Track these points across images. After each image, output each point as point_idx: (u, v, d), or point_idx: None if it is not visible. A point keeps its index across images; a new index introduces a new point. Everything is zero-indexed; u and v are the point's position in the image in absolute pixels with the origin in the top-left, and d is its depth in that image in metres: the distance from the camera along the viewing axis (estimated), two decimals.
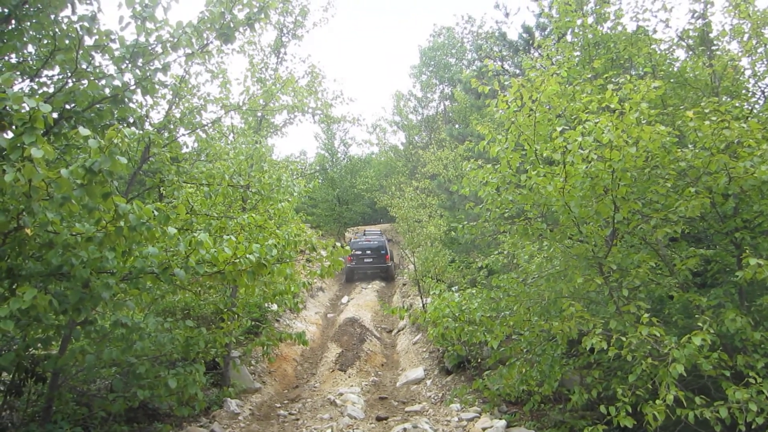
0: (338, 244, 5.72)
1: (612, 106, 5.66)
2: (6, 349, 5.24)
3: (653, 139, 5.23)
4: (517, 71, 15.99)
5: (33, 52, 5.56)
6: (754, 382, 4.75)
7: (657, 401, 4.74)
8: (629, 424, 5.07)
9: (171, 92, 7.32)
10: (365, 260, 21.22)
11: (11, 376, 5.67)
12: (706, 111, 5.67)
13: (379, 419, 9.41)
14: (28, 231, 3.90)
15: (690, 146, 5.86)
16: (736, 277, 5.37)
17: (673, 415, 4.86)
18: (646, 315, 5.13)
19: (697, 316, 5.32)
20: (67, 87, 4.91)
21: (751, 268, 4.80)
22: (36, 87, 5.22)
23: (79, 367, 5.66)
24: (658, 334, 4.89)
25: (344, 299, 20.28)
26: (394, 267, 22.55)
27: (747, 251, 5.32)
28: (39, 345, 4.97)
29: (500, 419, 8.54)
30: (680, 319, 6.36)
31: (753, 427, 4.75)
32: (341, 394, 10.65)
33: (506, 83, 6.46)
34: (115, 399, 5.56)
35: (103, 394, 6.44)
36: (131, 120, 6.48)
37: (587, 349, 5.76)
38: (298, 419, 9.58)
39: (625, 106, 5.50)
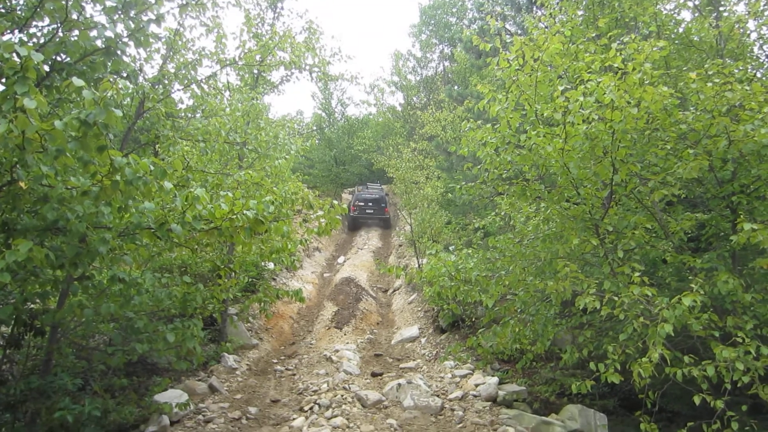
0: (335, 202, 5.70)
1: (615, 66, 5.57)
2: (3, 303, 5.27)
3: (655, 100, 5.17)
4: (519, 32, 15.69)
5: (21, 1, 5.39)
6: (741, 342, 4.84)
7: (644, 359, 4.83)
8: (616, 380, 5.19)
9: (165, 46, 7.16)
10: (367, 210, 23.13)
11: (10, 329, 5.71)
12: (710, 73, 5.60)
13: (374, 375, 9.60)
14: (22, 184, 3.85)
15: (691, 109, 5.80)
16: (730, 242, 5.40)
17: (661, 373, 4.97)
18: (638, 275, 5.17)
19: (690, 278, 5.38)
20: (57, 38, 4.78)
21: (745, 232, 4.82)
22: (26, 38, 5.09)
23: (77, 321, 5.71)
24: (650, 294, 4.95)
25: (340, 259, 20.40)
26: (391, 218, 24.35)
27: (742, 216, 5.34)
28: (37, 299, 5.00)
29: (492, 376, 8.72)
30: (673, 281, 6.44)
31: (738, 385, 4.86)
32: (337, 351, 10.82)
33: (508, 41, 6.34)
34: (114, 353, 5.63)
35: (102, 348, 6.52)
36: (125, 74, 6.37)
37: (580, 309, 5.84)
38: (294, 374, 9.77)
39: (628, 67, 5.42)
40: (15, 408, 5.38)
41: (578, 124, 5.55)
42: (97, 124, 3.44)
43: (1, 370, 5.88)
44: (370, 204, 23.47)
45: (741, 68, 6.13)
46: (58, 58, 5.22)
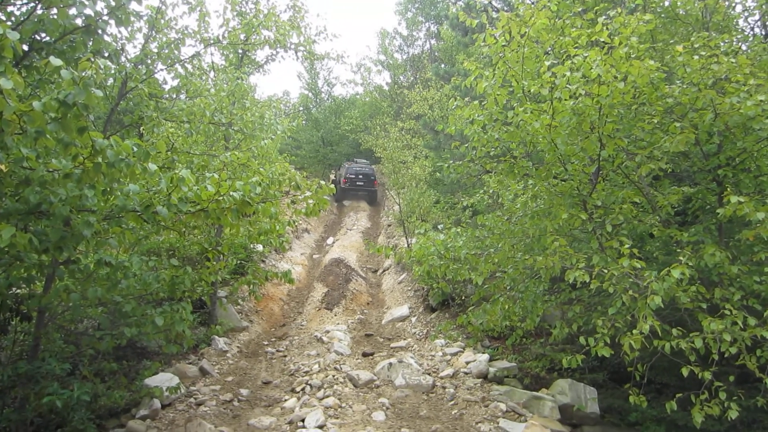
0: (323, 183, 5.66)
1: (602, 40, 5.54)
2: None
3: (642, 74, 5.16)
4: (506, 8, 15.54)
5: None
6: (729, 313, 4.89)
7: (634, 332, 4.89)
8: (607, 353, 5.24)
9: (147, 25, 7.02)
10: (357, 183, 24.48)
11: None
12: (696, 46, 5.59)
13: (365, 355, 9.65)
14: (2, 167, 3.78)
15: (678, 82, 5.80)
16: (716, 215, 5.45)
17: (649, 345, 5.03)
18: (627, 248, 5.21)
19: (678, 250, 5.42)
20: (36, 16, 4.65)
21: (732, 205, 4.84)
22: (3, 16, 4.95)
23: (64, 306, 5.65)
24: (639, 267, 4.98)
25: (329, 240, 20.38)
26: (378, 192, 25.62)
27: (729, 189, 5.37)
28: (22, 284, 4.93)
29: (483, 353, 8.81)
30: (660, 255, 6.49)
31: (726, 356, 4.93)
32: (328, 332, 10.86)
33: (495, 17, 6.27)
34: (103, 337, 5.59)
35: (91, 332, 6.48)
36: (106, 54, 6.24)
37: (569, 284, 5.88)
38: (285, 356, 9.79)
39: (615, 41, 5.39)
40: (3, 393, 5.34)
41: (565, 99, 5.53)
42: (76, 104, 3.36)
43: None
44: (361, 177, 24.68)
45: (727, 41, 6.12)
46: (37, 38, 5.09)
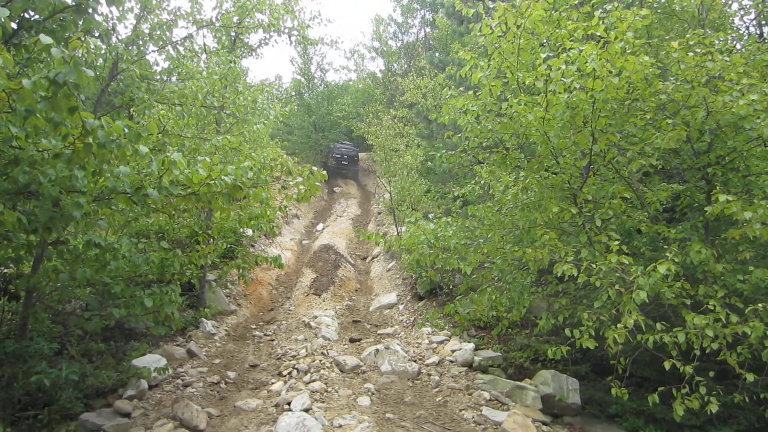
0: (314, 169, 5.65)
1: (598, 34, 5.55)
2: None
3: (636, 69, 5.18)
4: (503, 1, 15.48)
5: None
6: (712, 310, 4.96)
7: (619, 325, 4.95)
8: (591, 345, 5.30)
9: (138, 5, 6.94)
10: (342, 162, 27.87)
11: None
12: (691, 43, 5.62)
13: (352, 341, 9.71)
14: None
15: (672, 79, 5.83)
16: (704, 213, 5.50)
17: (633, 339, 5.10)
18: (616, 243, 5.25)
19: (665, 247, 5.48)
20: None
21: (720, 203, 4.87)
22: None
23: (52, 286, 5.63)
24: (627, 262, 5.04)
25: (319, 226, 20.38)
26: (359, 171, 29.68)
27: (717, 187, 5.43)
28: (10, 264, 4.91)
29: (469, 342, 8.89)
30: (647, 251, 6.56)
31: (707, 352, 5.02)
32: (316, 317, 10.90)
33: (491, 7, 6.25)
34: (91, 317, 5.57)
35: (79, 312, 6.46)
36: (96, 34, 6.16)
37: (557, 277, 5.93)
38: (273, 340, 9.83)
39: (611, 35, 5.40)
40: None
41: (559, 92, 5.55)
42: (67, 83, 3.33)
43: None
44: (346, 157, 28.16)
45: (722, 39, 6.15)
46: (27, 16, 5.02)
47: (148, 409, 6.62)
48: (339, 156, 28.18)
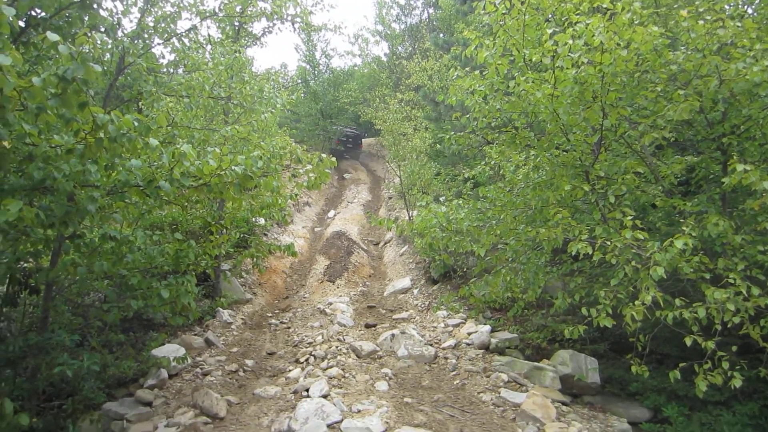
0: (324, 156, 5.64)
1: (604, 6, 5.46)
2: None
3: (645, 40, 5.08)
4: None
5: None
6: (732, 283, 4.86)
7: (636, 302, 4.90)
8: (609, 324, 5.27)
9: None
10: (347, 144, 30.41)
11: (5, 288, 5.73)
12: (701, 10, 5.50)
13: (367, 326, 9.76)
14: (5, 143, 3.76)
15: (682, 48, 5.72)
16: (720, 184, 5.40)
17: (651, 316, 5.05)
18: (630, 219, 5.19)
19: (681, 221, 5.41)
20: None
21: (737, 174, 4.69)
22: None
23: (71, 279, 5.72)
24: (642, 238, 4.97)
25: (331, 213, 20.42)
26: (361, 151, 32.42)
27: (734, 157, 5.31)
28: (30, 258, 4.98)
29: (485, 324, 8.90)
30: (663, 225, 6.49)
31: (729, 326, 4.94)
32: (330, 304, 10.96)
33: None
34: (110, 309, 5.66)
35: (98, 305, 6.56)
36: (102, 29, 6.18)
37: (571, 255, 5.89)
38: (289, 327, 9.91)
39: (617, 6, 5.31)
40: (15, 364, 5.45)
41: (567, 68, 5.47)
42: (75, 79, 3.35)
43: None
44: (351, 139, 30.65)
45: (732, 4, 6.01)
46: (33, 13, 5.04)
47: (169, 398, 6.73)
48: (344, 138, 30.73)
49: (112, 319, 5.61)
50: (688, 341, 4.94)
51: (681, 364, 5.21)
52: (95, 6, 5.15)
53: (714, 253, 5.66)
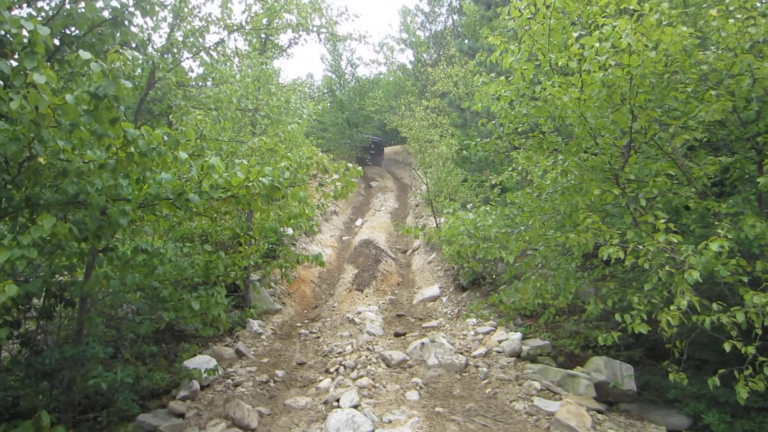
0: (350, 165, 5.67)
1: (631, 7, 5.37)
2: (33, 276, 5.39)
3: (674, 41, 4.99)
4: None
5: None
6: None
7: (672, 307, 4.78)
8: (644, 330, 5.14)
9: (171, 14, 7.09)
10: (370, 152, 31.67)
11: (41, 301, 5.88)
12: (731, 9, 5.37)
13: (397, 335, 9.72)
14: (41, 160, 3.89)
15: (712, 48, 5.59)
16: (756, 184, 5.26)
17: (688, 321, 4.92)
18: (662, 222, 5.08)
19: (716, 223, 5.27)
20: (65, 11, 4.75)
21: None
22: (34, 12, 5.08)
23: (105, 292, 5.84)
24: (676, 241, 4.86)
25: (358, 222, 20.48)
26: (383, 157, 33.92)
27: None
28: (64, 272, 5.11)
29: (516, 332, 8.78)
30: (697, 228, 6.33)
31: None
32: (359, 313, 10.96)
33: None
34: (142, 321, 5.77)
35: (131, 317, 6.69)
36: (133, 45, 6.34)
37: (603, 260, 5.77)
38: (319, 337, 9.94)
39: (645, 7, 5.22)
40: (51, 376, 5.58)
41: (594, 71, 5.39)
42: (107, 96, 3.44)
43: (36, 340, 6.08)
44: (373, 146, 31.90)
45: (764, 1, 5.86)
46: (67, 32, 5.20)
47: (201, 409, 6.80)
48: (367, 147, 31.90)
49: (144, 331, 5.70)
50: (727, 346, 4.79)
51: (720, 370, 5.06)
52: (126, 23, 5.29)
53: (752, 255, 5.49)
